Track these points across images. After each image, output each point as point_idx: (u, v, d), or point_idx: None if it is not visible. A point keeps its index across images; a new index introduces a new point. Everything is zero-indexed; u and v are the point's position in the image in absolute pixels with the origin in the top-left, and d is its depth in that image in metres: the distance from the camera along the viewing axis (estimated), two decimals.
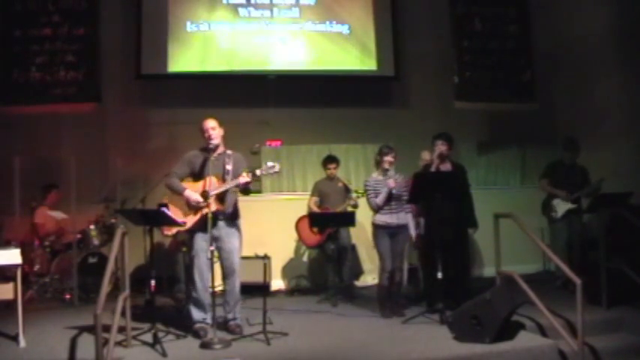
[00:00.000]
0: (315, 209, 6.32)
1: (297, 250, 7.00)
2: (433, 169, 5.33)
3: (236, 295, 4.66)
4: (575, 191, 6.09)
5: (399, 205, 5.22)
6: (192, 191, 4.56)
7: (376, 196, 5.22)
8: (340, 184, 6.37)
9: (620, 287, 5.13)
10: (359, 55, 8.11)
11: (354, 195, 6.16)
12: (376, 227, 5.24)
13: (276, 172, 4.61)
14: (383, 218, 5.20)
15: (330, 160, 6.44)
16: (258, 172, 4.55)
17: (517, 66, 8.16)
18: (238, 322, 4.65)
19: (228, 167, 4.59)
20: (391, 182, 5.13)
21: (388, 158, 5.23)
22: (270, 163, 4.57)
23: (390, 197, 5.17)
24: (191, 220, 4.58)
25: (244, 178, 4.46)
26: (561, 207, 6.13)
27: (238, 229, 4.73)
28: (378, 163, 5.34)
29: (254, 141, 7.44)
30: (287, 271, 6.93)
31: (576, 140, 6.36)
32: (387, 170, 5.25)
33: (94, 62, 7.29)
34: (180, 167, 4.72)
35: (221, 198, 4.56)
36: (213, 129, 4.62)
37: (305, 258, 7.00)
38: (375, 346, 4.32)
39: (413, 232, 5.39)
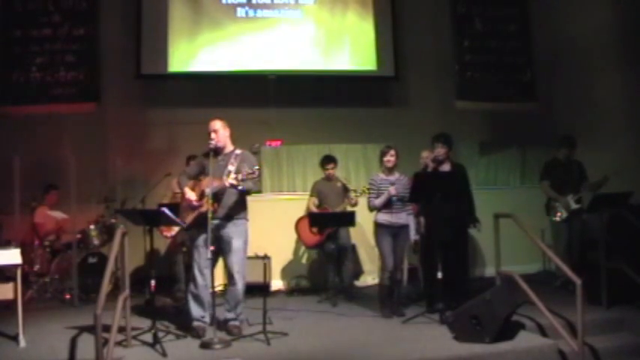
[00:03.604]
0: (314, 210, 6.31)
1: (297, 250, 6.99)
2: (430, 171, 5.34)
3: (236, 295, 4.63)
4: (574, 187, 6.07)
5: (401, 205, 5.23)
6: (190, 190, 4.64)
7: (377, 197, 5.22)
8: (339, 184, 6.36)
9: (620, 287, 5.13)
10: (359, 55, 8.12)
11: (352, 195, 6.15)
12: (378, 226, 5.25)
13: (255, 177, 4.46)
14: (385, 217, 5.21)
15: (327, 160, 6.43)
16: (240, 176, 4.38)
17: (517, 66, 8.17)
18: (237, 324, 4.63)
19: (230, 167, 4.58)
20: (393, 190, 5.14)
21: (387, 157, 5.26)
22: (249, 169, 4.42)
23: (391, 199, 5.18)
24: (189, 218, 4.62)
25: (225, 181, 4.40)
26: (569, 206, 6.09)
27: (242, 230, 4.66)
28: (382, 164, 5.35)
29: (254, 141, 7.44)
30: (287, 271, 6.93)
31: (573, 137, 6.33)
32: (390, 169, 5.26)
33: (94, 62, 7.30)
34: (192, 167, 4.90)
35: (218, 198, 4.53)
36: (215, 132, 4.62)
37: (305, 258, 7.00)
38: (375, 346, 4.32)
39: (413, 235, 5.39)
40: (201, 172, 4.73)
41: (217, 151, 4.62)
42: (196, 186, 4.73)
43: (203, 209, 4.47)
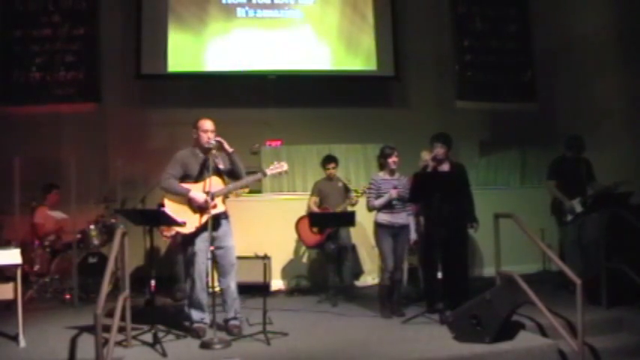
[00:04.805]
0: (315, 209, 6.32)
1: (297, 250, 6.99)
2: (429, 170, 5.34)
3: (232, 293, 4.65)
4: (581, 187, 6.02)
5: (401, 205, 5.23)
6: (199, 192, 4.51)
7: (377, 197, 5.21)
8: (340, 184, 6.37)
9: (620, 287, 5.13)
10: (359, 55, 8.12)
11: (353, 194, 6.16)
12: (379, 226, 5.24)
13: (285, 172, 4.74)
14: (386, 217, 5.20)
15: (329, 160, 6.44)
16: (267, 171, 4.68)
17: (517, 66, 8.18)
18: (237, 323, 4.63)
19: (222, 167, 4.60)
20: (394, 193, 5.13)
21: (393, 159, 5.23)
22: (278, 162, 4.74)
23: (391, 201, 5.18)
24: (194, 222, 4.52)
25: (259, 175, 4.66)
26: (574, 209, 6.06)
27: (231, 227, 4.73)
28: (382, 165, 5.33)
29: (254, 141, 7.44)
30: (287, 271, 6.93)
31: (581, 138, 6.26)
32: (394, 170, 5.26)
33: (94, 62, 7.30)
34: (175, 168, 4.63)
35: (223, 199, 4.59)
36: (213, 132, 4.61)
37: (305, 258, 7.00)
38: (375, 346, 4.32)
39: (413, 235, 5.41)
40: (184, 173, 4.62)
41: (206, 151, 4.60)
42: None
43: (216, 211, 4.46)
